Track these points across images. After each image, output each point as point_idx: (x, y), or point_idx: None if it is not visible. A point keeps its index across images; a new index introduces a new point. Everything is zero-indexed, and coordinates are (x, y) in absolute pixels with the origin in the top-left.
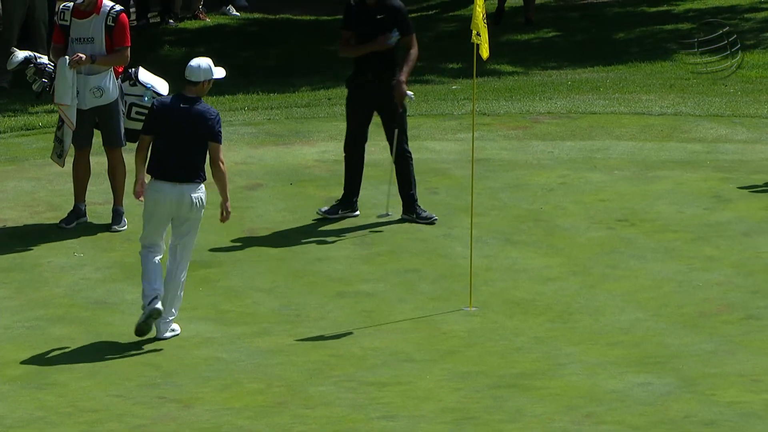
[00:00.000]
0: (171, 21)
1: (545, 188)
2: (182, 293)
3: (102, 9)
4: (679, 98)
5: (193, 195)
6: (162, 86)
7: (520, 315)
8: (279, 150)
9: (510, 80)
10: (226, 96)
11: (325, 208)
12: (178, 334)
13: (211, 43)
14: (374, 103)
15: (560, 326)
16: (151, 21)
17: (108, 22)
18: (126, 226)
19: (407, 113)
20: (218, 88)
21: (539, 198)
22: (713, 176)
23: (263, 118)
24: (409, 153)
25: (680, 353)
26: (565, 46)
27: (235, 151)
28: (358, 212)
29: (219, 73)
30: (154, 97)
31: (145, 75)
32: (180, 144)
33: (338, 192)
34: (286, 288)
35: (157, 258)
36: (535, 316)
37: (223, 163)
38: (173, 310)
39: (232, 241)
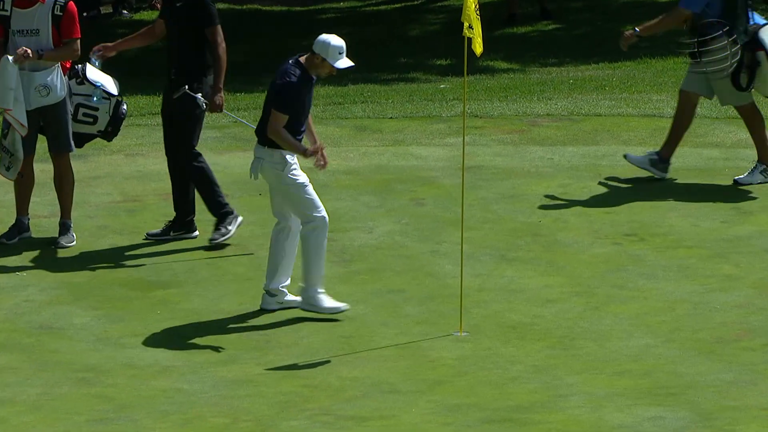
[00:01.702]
0: (125, 12)
1: (544, 199)
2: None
3: None
4: None
5: None
6: (111, 84)
7: (517, 340)
8: (247, 156)
9: (505, 78)
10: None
11: (155, 230)
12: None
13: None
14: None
15: (561, 353)
16: (103, 11)
17: (55, 12)
18: (74, 242)
19: (197, 120)
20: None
21: (538, 210)
22: (732, 185)
23: (229, 120)
24: (196, 163)
25: (695, 383)
26: (566, 41)
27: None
28: (196, 233)
29: (341, 61)
30: (104, 97)
31: (93, 72)
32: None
33: None
34: (254, 310)
35: None
36: (532, 341)
37: None
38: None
39: (195, 258)
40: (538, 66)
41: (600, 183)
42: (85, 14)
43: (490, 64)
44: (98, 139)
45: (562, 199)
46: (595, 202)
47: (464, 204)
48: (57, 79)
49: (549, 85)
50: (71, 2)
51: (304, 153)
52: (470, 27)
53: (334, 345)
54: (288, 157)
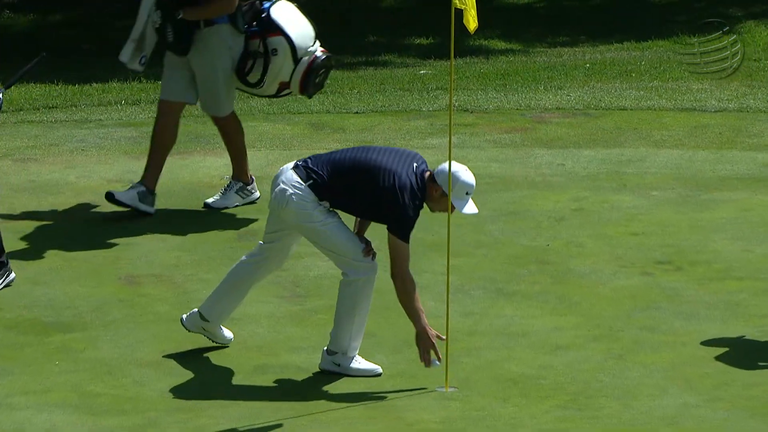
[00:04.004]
0: None
1: (554, 217)
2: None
3: None
4: (745, 87)
5: None
6: None
7: (518, 398)
8: (171, 161)
9: (503, 62)
10: (94, 85)
11: None
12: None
13: (75, 8)
14: None
15: (575, 415)
16: None
17: None
18: None
19: None
20: (84, 74)
21: (545, 230)
22: None
23: (148, 116)
24: None
25: None
26: (582, 13)
27: (106, 164)
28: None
29: (468, 206)
30: None
31: None
32: None
33: (260, 222)
34: (180, 360)
35: None
36: (539, 400)
37: None
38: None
39: (103, 293)
40: (546, 46)
41: (625, 196)
42: None
43: (484, 43)
44: None
45: (576, 217)
46: (618, 220)
47: (451, 223)
48: None
49: (559, 70)
50: None
51: (423, 328)
52: None
53: (284, 404)
54: (324, 203)
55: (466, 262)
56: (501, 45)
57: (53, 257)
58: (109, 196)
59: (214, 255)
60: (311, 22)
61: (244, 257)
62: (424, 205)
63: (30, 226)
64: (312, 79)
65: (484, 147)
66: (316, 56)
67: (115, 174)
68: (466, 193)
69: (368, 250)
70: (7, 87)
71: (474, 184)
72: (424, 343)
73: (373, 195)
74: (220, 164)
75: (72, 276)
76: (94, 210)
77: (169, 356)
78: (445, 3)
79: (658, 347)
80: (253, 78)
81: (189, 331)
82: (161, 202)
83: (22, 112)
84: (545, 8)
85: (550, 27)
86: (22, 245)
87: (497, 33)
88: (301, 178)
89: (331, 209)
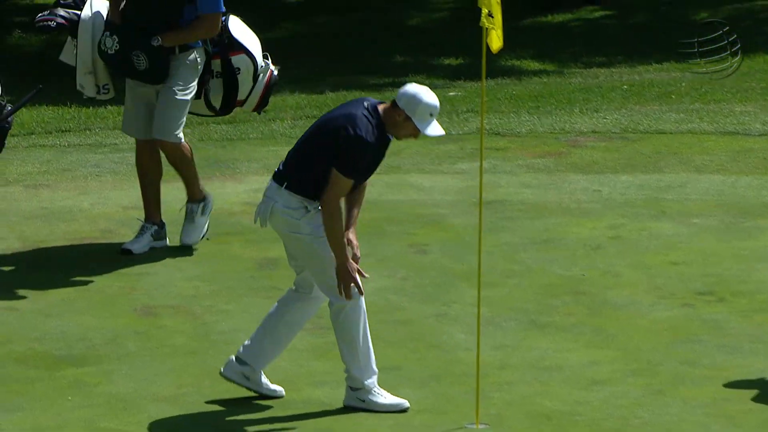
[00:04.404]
0: None
1: (589, 245)
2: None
3: None
4: None
5: None
6: None
7: None
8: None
9: (536, 83)
10: (109, 107)
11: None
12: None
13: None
14: None
15: None
16: None
17: None
18: None
19: None
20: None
21: (580, 259)
22: None
23: None
24: None
25: None
26: (619, 32)
27: (121, 190)
28: None
29: (432, 126)
30: None
31: None
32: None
33: (276, 251)
34: (199, 396)
35: None
36: None
37: None
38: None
39: (118, 325)
40: (581, 66)
41: (664, 223)
42: None
43: (516, 63)
44: None
45: (613, 246)
46: (657, 248)
47: (481, 252)
48: None
49: (595, 92)
50: None
51: (342, 262)
52: (490, 14)
53: None
54: (311, 205)
55: (498, 292)
56: (534, 65)
57: (66, 287)
58: (126, 252)
59: (234, 285)
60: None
61: (281, 297)
62: (389, 138)
63: (42, 254)
64: (269, 96)
65: (516, 172)
66: (273, 73)
67: (131, 200)
68: (430, 114)
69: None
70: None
71: (437, 104)
72: (345, 278)
73: (328, 147)
74: (241, 190)
75: (85, 307)
76: (108, 238)
77: (187, 391)
78: (475, 21)
79: (700, 382)
80: (216, 101)
81: (230, 381)
82: (176, 229)
83: (33, 136)
84: (580, 27)
85: (586, 46)
86: (34, 275)
87: (530, 53)
88: (278, 185)
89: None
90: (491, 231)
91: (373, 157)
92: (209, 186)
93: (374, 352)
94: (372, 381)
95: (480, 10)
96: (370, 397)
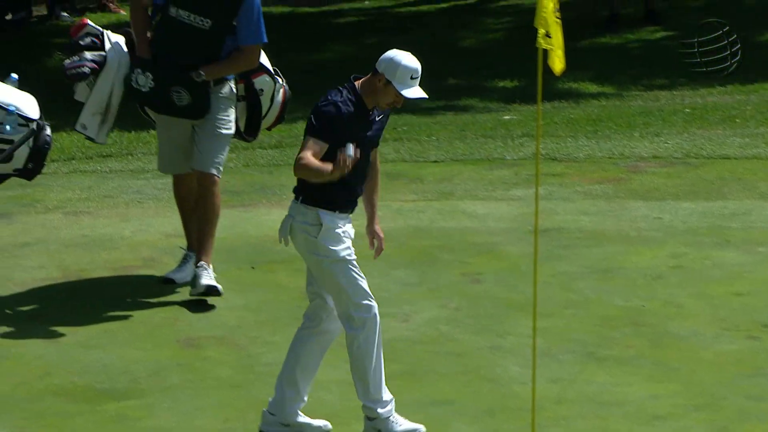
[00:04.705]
0: (65, 14)
1: (650, 274)
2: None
3: None
4: None
5: None
6: (29, 106)
7: None
8: (234, 215)
9: (595, 106)
10: (152, 132)
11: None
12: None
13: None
14: None
15: None
16: (36, 13)
17: None
18: None
19: None
20: (140, 120)
21: (640, 290)
22: None
23: None
24: None
25: None
26: (680, 54)
27: (164, 217)
28: None
29: (411, 89)
30: (20, 124)
31: (4, 92)
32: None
33: None
34: (244, 430)
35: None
36: None
37: None
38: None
39: (161, 357)
40: (641, 89)
41: (729, 252)
42: (9, 17)
43: (573, 86)
44: (27, 190)
45: (674, 275)
46: (721, 278)
47: (537, 281)
48: None
49: (656, 115)
50: None
51: (330, 172)
52: (547, 35)
53: None
54: (327, 218)
55: (554, 323)
56: (592, 88)
57: (107, 318)
58: (169, 281)
59: (281, 315)
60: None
61: (291, 344)
62: (373, 112)
63: (82, 284)
64: (285, 113)
65: (573, 199)
66: (285, 90)
67: (174, 228)
68: (411, 77)
69: (376, 250)
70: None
71: (418, 67)
72: (341, 163)
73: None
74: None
75: (127, 339)
76: (151, 267)
77: (232, 426)
78: (531, 42)
79: (766, 418)
80: (240, 124)
81: None
82: (222, 257)
83: (74, 162)
84: (641, 48)
85: (647, 68)
86: (74, 305)
87: (588, 75)
88: (295, 200)
89: (340, 237)
90: (547, 260)
91: (353, 128)
92: (254, 212)
93: (426, 386)
94: (386, 410)
95: (537, 30)
96: (387, 425)
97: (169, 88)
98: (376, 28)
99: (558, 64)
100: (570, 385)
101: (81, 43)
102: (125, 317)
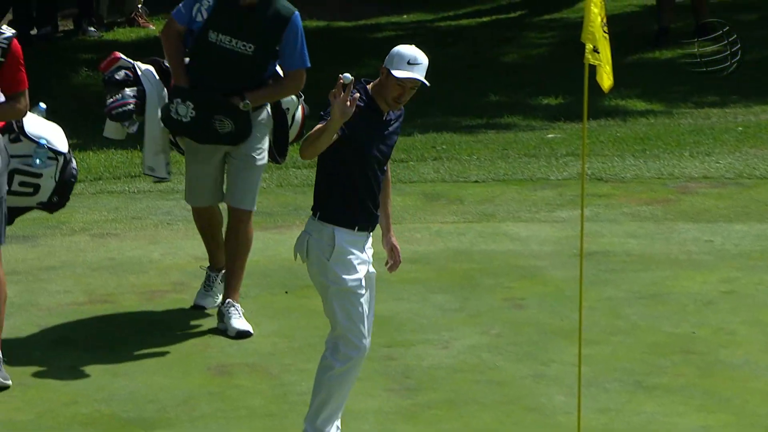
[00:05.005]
0: (92, 29)
1: (701, 300)
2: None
3: None
4: None
5: None
6: (58, 138)
7: None
8: (267, 237)
9: (643, 124)
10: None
11: None
12: None
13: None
14: None
15: None
16: (62, 28)
17: None
18: (9, 381)
19: None
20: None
21: (691, 316)
22: None
23: None
24: None
25: None
26: (733, 69)
27: (194, 239)
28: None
29: (402, 71)
30: (49, 157)
31: (34, 123)
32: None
33: None
34: None
35: None
36: None
37: None
38: None
39: (191, 385)
40: (691, 106)
41: None
42: (33, 32)
43: (620, 103)
44: (50, 213)
45: (727, 301)
46: None
47: (582, 307)
48: None
49: (707, 134)
50: (16, 40)
51: (331, 124)
52: (595, 50)
53: None
54: (342, 238)
55: (600, 351)
56: (640, 105)
57: (135, 345)
58: (199, 308)
59: (315, 342)
60: None
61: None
62: (386, 113)
63: (109, 309)
64: (303, 131)
65: (620, 221)
66: (304, 107)
67: (204, 251)
68: (408, 63)
69: (392, 264)
70: None
71: (416, 55)
72: (339, 104)
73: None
74: None
75: (155, 366)
76: (180, 291)
77: None
78: (577, 58)
79: None
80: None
81: None
82: (255, 281)
83: (101, 182)
84: (691, 64)
85: (697, 84)
86: (100, 331)
87: (636, 92)
88: (312, 216)
89: (352, 262)
90: (593, 284)
91: (364, 123)
92: (288, 234)
93: (467, 416)
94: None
95: (582, 45)
96: None
97: (212, 117)
98: (414, 43)
99: (606, 80)
100: (617, 416)
101: (117, 77)
102: (153, 344)
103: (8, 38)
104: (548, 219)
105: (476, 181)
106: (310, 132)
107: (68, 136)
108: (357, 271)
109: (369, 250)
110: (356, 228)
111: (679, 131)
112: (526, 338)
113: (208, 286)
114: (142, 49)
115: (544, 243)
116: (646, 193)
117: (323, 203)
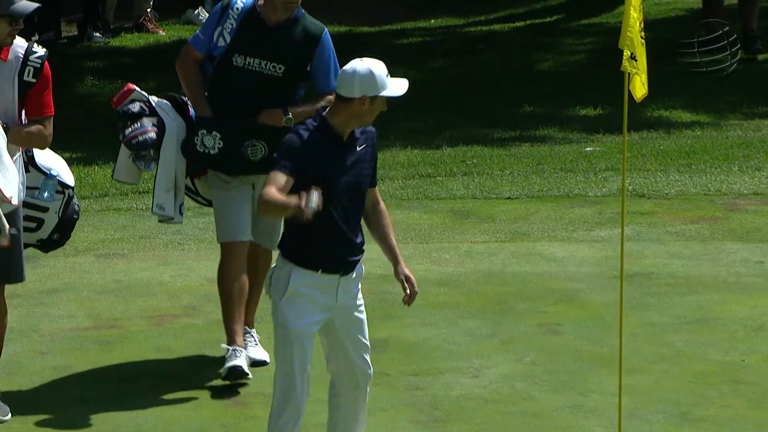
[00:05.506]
0: (98, 34)
1: (751, 326)
2: None
3: (12, 52)
4: None
5: None
6: (66, 171)
7: None
8: None
9: (688, 137)
10: None
11: None
12: None
13: (168, 71)
14: None
15: None
16: (65, 33)
17: (25, 76)
18: (9, 415)
19: None
20: None
21: (740, 343)
22: None
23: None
24: None
25: None
26: (733, 69)
27: (207, 260)
28: None
29: (395, 87)
30: (59, 191)
31: (43, 153)
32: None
33: (385, 331)
34: None
35: None
36: None
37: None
38: None
39: (203, 417)
40: (741, 118)
41: None
42: (35, 38)
43: (664, 114)
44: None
45: None
46: None
47: (623, 333)
48: (19, 173)
49: (758, 147)
50: (47, 62)
51: (293, 206)
52: (633, 57)
53: None
54: (296, 280)
55: (642, 380)
56: (686, 116)
57: (143, 373)
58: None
59: None
60: None
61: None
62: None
63: (115, 335)
64: None
65: (664, 240)
66: None
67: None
68: (387, 76)
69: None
70: None
71: (381, 63)
72: (301, 207)
73: None
74: None
75: (165, 397)
76: (191, 315)
77: None
78: (617, 66)
79: None
80: None
81: None
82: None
83: (107, 199)
84: (740, 72)
85: (747, 94)
86: (107, 359)
87: (681, 102)
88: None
89: (309, 302)
90: (635, 309)
91: (319, 155)
92: None
93: None
94: None
95: (622, 52)
96: None
97: (242, 144)
98: (442, 50)
99: (640, 89)
100: None
101: (132, 110)
102: (163, 372)
103: (41, 57)
104: (586, 238)
105: (509, 198)
106: (271, 196)
107: (72, 150)
108: (309, 318)
109: (348, 294)
110: (320, 270)
111: (728, 144)
112: (563, 367)
113: (233, 356)
114: (151, 57)
115: (581, 264)
116: (691, 211)
117: (284, 240)
